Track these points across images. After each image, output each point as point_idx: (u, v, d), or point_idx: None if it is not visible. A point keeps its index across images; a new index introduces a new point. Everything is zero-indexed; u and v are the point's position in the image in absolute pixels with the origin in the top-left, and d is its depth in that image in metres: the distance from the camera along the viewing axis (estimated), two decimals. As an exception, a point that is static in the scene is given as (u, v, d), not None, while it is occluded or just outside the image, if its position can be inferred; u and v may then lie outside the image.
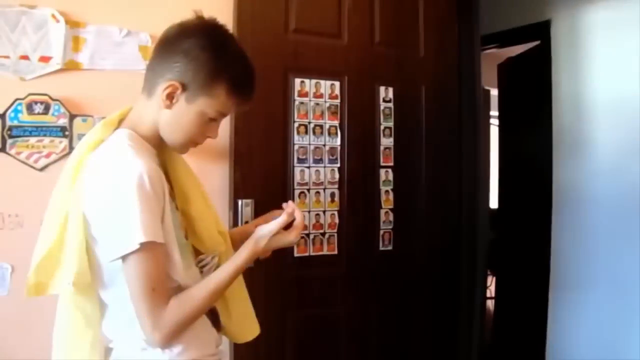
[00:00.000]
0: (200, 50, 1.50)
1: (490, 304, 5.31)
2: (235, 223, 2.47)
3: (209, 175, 2.52)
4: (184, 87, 1.49)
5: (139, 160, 1.40)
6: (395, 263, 2.88)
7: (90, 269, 1.45)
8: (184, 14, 2.46)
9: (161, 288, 1.41)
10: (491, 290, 5.38)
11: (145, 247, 1.35)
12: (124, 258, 1.37)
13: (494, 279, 5.43)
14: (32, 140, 2.18)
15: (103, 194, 1.40)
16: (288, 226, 1.64)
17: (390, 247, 2.86)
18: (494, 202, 4.84)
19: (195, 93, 1.50)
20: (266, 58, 2.55)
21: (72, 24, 2.26)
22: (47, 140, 2.21)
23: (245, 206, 2.47)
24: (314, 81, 2.68)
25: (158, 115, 1.53)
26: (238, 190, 2.49)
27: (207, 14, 2.49)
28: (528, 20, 4.13)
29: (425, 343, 2.97)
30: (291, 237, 1.63)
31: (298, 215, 1.64)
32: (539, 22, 4.03)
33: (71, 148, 2.23)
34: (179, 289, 1.48)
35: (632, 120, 3.35)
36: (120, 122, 1.58)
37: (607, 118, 3.57)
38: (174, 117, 1.52)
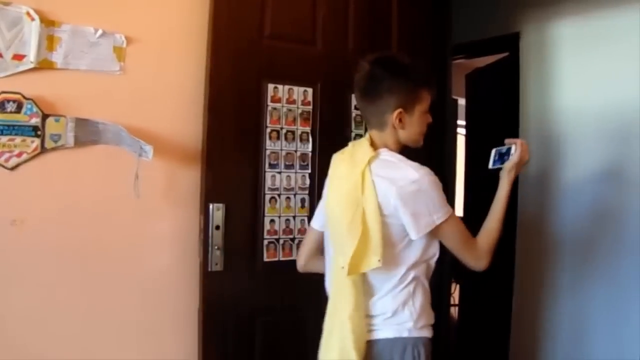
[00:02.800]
0: (396, 82, 2.03)
1: (453, 311, 5.36)
2: (206, 227, 2.47)
3: (181, 179, 2.53)
4: (404, 109, 2.03)
5: (421, 166, 2.01)
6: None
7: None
8: (159, 17, 2.49)
9: (468, 234, 2.05)
10: (454, 298, 5.43)
11: (451, 214, 1.99)
12: (438, 226, 1.95)
13: (458, 286, 5.48)
14: (4, 139, 2.16)
15: (409, 188, 1.94)
16: None
17: (358, 254, 2.87)
18: (459, 211, 4.89)
19: (411, 107, 2.05)
20: (240, 63, 2.57)
21: (47, 23, 2.24)
22: (18, 139, 2.18)
23: (217, 210, 2.48)
24: (287, 87, 2.69)
25: (396, 135, 2.08)
26: (209, 194, 2.49)
27: (184, 19, 2.54)
28: (497, 32, 4.19)
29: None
30: (526, 156, 2.18)
31: (518, 141, 2.18)
32: (508, 34, 4.09)
33: (43, 148, 2.22)
34: None
35: (598, 131, 3.41)
36: (372, 143, 2.10)
37: (574, 129, 3.63)
38: (407, 129, 2.08)
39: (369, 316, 2.00)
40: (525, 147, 2.17)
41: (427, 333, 2.03)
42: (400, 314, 1.98)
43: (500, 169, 2.19)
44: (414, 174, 1.96)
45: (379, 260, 1.90)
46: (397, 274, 1.98)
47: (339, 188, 2.09)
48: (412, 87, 2.04)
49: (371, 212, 1.94)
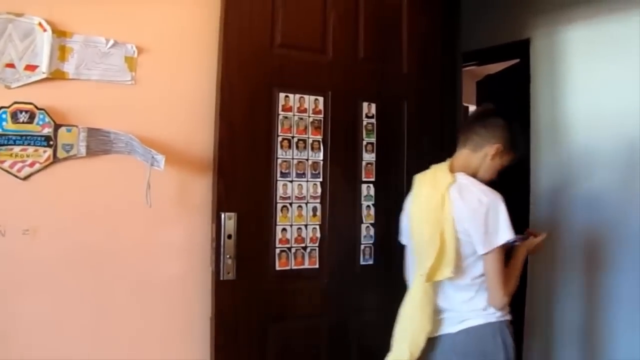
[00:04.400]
0: (507, 132, 2.46)
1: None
2: (218, 236, 2.47)
3: (192, 188, 2.53)
4: (501, 149, 2.44)
5: (493, 191, 2.34)
6: (376, 277, 2.90)
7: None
8: (170, 26, 2.51)
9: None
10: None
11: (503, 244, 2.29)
12: (494, 249, 2.27)
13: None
14: (16, 149, 2.16)
15: (480, 210, 2.28)
16: None
17: (371, 262, 2.88)
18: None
19: (504, 153, 2.46)
20: (251, 72, 2.58)
21: (59, 33, 2.25)
22: (31, 149, 2.19)
23: (228, 219, 2.48)
24: (298, 96, 2.69)
25: (481, 162, 2.47)
26: (221, 203, 2.49)
27: (195, 28, 2.55)
28: (508, 38, 4.19)
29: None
30: (540, 245, 2.55)
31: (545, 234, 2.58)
32: (518, 40, 4.09)
33: (55, 157, 2.22)
34: None
35: (610, 137, 3.40)
36: (450, 168, 2.47)
37: (585, 135, 3.62)
38: (490, 164, 2.47)
39: (440, 311, 2.43)
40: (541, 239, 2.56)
41: (509, 317, 2.41)
42: (474, 306, 2.37)
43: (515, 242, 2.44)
44: (484, 198, 2.30)
45: (452, 272, 2.29)
46: (466, 281, 2.36)
47: (421, 206, 2.48)
48: (512, 143, 2.47)
49: (448, 230, 2.30)
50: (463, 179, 2.40)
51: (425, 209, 2.43)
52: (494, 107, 2.59)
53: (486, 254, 2.28)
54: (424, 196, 2.47)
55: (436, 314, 2.42)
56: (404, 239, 2.66)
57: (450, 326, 2.41)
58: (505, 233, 2.26)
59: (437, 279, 2.34)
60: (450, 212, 2.31)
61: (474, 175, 2.46)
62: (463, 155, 2.49)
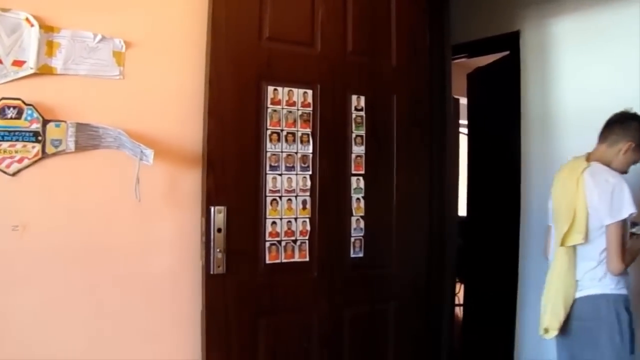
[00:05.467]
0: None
1: (458, 310, 5.36)
2: (207, 230, 2.48)
3: (181, 182, 2.53)
4: (633, 146, 2.84)
5: (618, 174, 2.80)
6: (366, 270, 2.91)
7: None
8: (158, 21, 2.50)
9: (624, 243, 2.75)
10: (459, 298, 5.43)
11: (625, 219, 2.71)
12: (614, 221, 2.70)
13: (462, 286, 5.48)
14: (5, 145, 2.16)
15: (607, 189, 2.72)
16: None
17: (361, 254, 2.88)
18: (462, 211, 4.89)
19: (636, 150, 2.85)
20: (240, 65, 2.57)
21: (46, 29, 2.25)
22: (19, 145, 2.19)
23: (218, 213, 2.48)
24: (286, 89, 2.69)
25: (615, 156, 2.87)
26: (211, 196, 2.49)
27: (183, 22, 2.55)
28: (497, 30, 4.20)
29: (396, 349, 2.99)
30: None
31: None
32: (508, 32, 4.09)
33: (44, 153, 2.23)
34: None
35: (599, 129, 3.41)
36: (587, 158, 2.92)
37: (575, 128, 3.63)
38: (624, 159, 2.87)
39: (576, 280, 2.82)
40: None
41: (625, 292, 2.78)
42: (594, 275, 2.78)
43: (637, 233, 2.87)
44: (611, 179, 2.75)
45: (582, 238, 2.75)
46: (590, 252, 2.78)
47: (561, 187, 2.95)
48: None
49: (580, 204, 2.77)
50: (596, 166, 2.86)
51: (563, 188, 2.92)
52: (634, 112, 2.91)
53: (609, 224, 2.70)
54: (563, 179, 2.95)
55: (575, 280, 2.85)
56: (549, 220, 3.09)
57: (577, 292, 2.82)
58: (628, 208, 2.68)
59: (568, 244, 2.80)
60: (583, 190, 2.78)
61: (607, 165, 2.88)
62: (601, 149, 2.92)
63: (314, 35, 2.78)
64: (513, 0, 4.07)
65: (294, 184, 2.71)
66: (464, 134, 5.32)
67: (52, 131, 2.25)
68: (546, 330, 2.86)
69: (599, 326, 2.74)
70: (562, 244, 2.82)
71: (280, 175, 2.67)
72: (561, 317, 2.80)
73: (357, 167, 2.89)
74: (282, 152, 2.68)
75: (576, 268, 2.83)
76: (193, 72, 2.54)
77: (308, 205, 2.75)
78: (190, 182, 2.55)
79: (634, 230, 2.83)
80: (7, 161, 2.17)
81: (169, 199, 2.50)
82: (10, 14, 2.18)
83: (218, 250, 2.48)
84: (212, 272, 2.48)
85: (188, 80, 2.55)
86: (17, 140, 2.19)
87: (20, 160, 2.19)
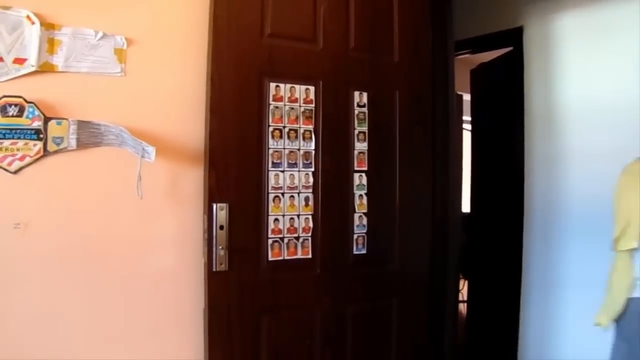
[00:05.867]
0: None
1: (462, 307, 5.36)
2: (210, 227, 2.47)
3: (184, 179, 2.53)
4: None
5: None
6: (369, 266, 2.90)
7: None
8: (160, 18, 2.50)
9: None
10: (463, 294, 5.43)
11: None
12: None
13: (466, 282, 5.48)
14: (6, 142, 2.16)
15: None
16: None
17: (363, 251, 2.88)
18: (466, 207, 4.89)
19: None
20: (241, 62, 2.56)
21: (48, 26, 2.24)
22: (21, 142, 2.19)
23: (220, 210, 2.48)
24: (288, 86, 2.69)
25: None
26: (213, 194, 2.48)
27: (185, 19, 2.55)
28: (501, 26, 4.19)
29: (400, 346, 2.99)
30: None
31: None
32: (511, 28, 4.09)
33: (45, 151, 2.22)
34: None
35: (603, 125, 3.41)
36: None
37: (578, 123, 3.62)
38: None
39: (635, 278, 2.73)
40: None
41: None
42: None
43: None
44: None
45: (637, 243, 2.67)
46: None
47: (622, 189, 2.83)
48: None
49: (635, 207, 2.69)
50: None
51: (622, 190, 2.82)
52: None
53: None
54: (624, 181, 2.85)
55: (634, 280, 2.76)
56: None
57: (636, 291, 2.75)
58: None
59: (620, 249, 2.75)
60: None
61: None
62: None
63: (316, 32, 2.77)
64: (516, -4, 4.07)
65: (296, 181, 2.70)
66: (467, 130, 5.31)
67: (53, 129, 2.25)
68: (598, 324, 2.86)
69: None
70: (613, 248, 2.79)
71: (283, 172, 2.67)
72: (614, 314, 2.78)
73: (360, 164, 2.88)
74: (284, 148, 2.67)
75: (636, 268, 2.75)
76: (195, 69, 2.54)
77: (310, 202, 2.74)
78: (192, 180, 2.54)
79: None
80: (9, 159, 2.17)
81: (171, 196, 2.50)
82: (11, 12, 2.18)
83: (220, 247, 2.48)
84: (214, 270, 2.48)
85: (190, 77, 2.54)
86: (18, 138, 2.19)
87: (22, 158, 2.19)
